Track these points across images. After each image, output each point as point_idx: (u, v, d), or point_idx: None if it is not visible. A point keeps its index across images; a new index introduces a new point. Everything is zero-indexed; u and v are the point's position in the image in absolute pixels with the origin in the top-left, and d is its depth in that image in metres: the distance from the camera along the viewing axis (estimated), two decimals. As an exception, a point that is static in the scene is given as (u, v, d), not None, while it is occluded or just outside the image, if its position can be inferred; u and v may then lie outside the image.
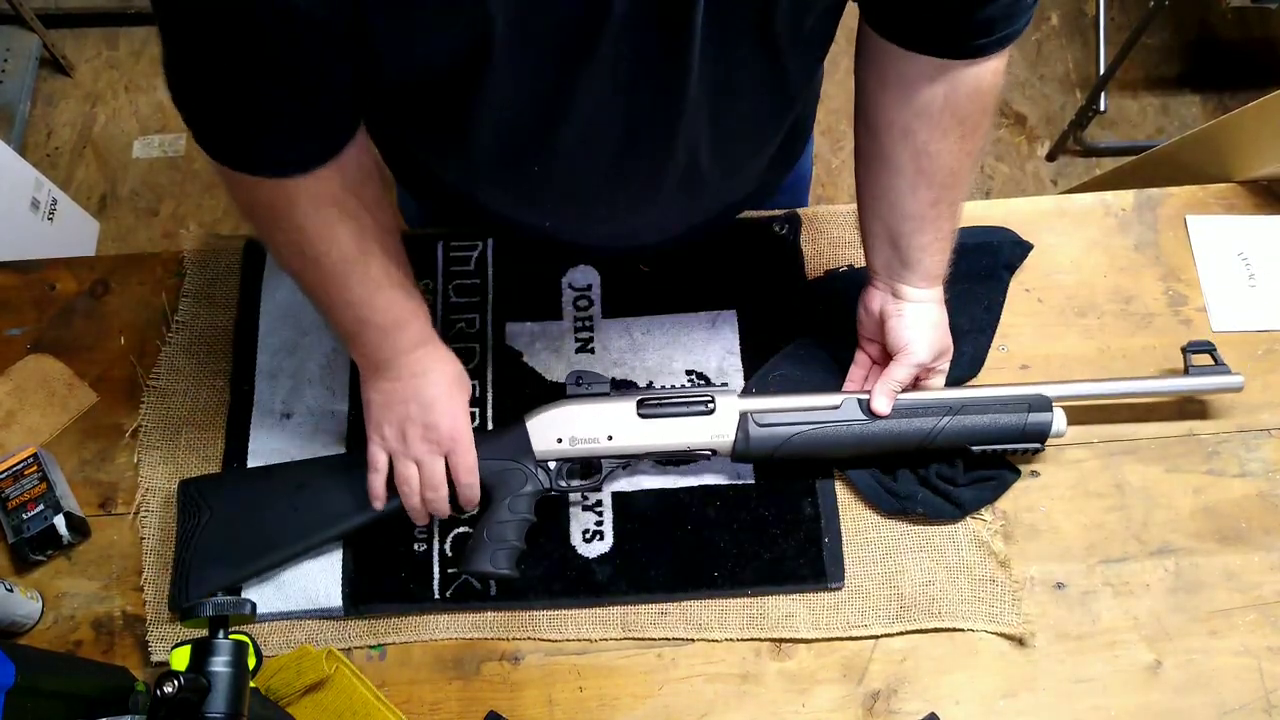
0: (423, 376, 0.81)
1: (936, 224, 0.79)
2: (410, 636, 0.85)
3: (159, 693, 0.58)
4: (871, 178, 0.80)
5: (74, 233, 1.98)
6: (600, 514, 0.89)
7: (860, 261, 0.99)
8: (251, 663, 0.65)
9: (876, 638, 0.85)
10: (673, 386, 0.94)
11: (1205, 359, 0.89)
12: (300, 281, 0.77)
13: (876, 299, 0.85)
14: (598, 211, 0.82)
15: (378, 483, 0.83)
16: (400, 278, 0.77)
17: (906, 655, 0.85)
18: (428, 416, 0.80)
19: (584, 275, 0.99)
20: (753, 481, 0.90)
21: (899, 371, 0.83)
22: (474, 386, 0.92)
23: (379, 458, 0.82)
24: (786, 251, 1.00)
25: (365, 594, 0.86)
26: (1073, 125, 2.09)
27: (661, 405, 0.86)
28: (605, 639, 0.85)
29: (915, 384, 0.86)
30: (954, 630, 0.85)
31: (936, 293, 0.84)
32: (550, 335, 0.96)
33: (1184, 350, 0.90)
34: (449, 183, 0.84)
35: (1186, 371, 0.89)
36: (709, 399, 0.86)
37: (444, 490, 0.82)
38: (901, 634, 0.85)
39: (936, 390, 0.86)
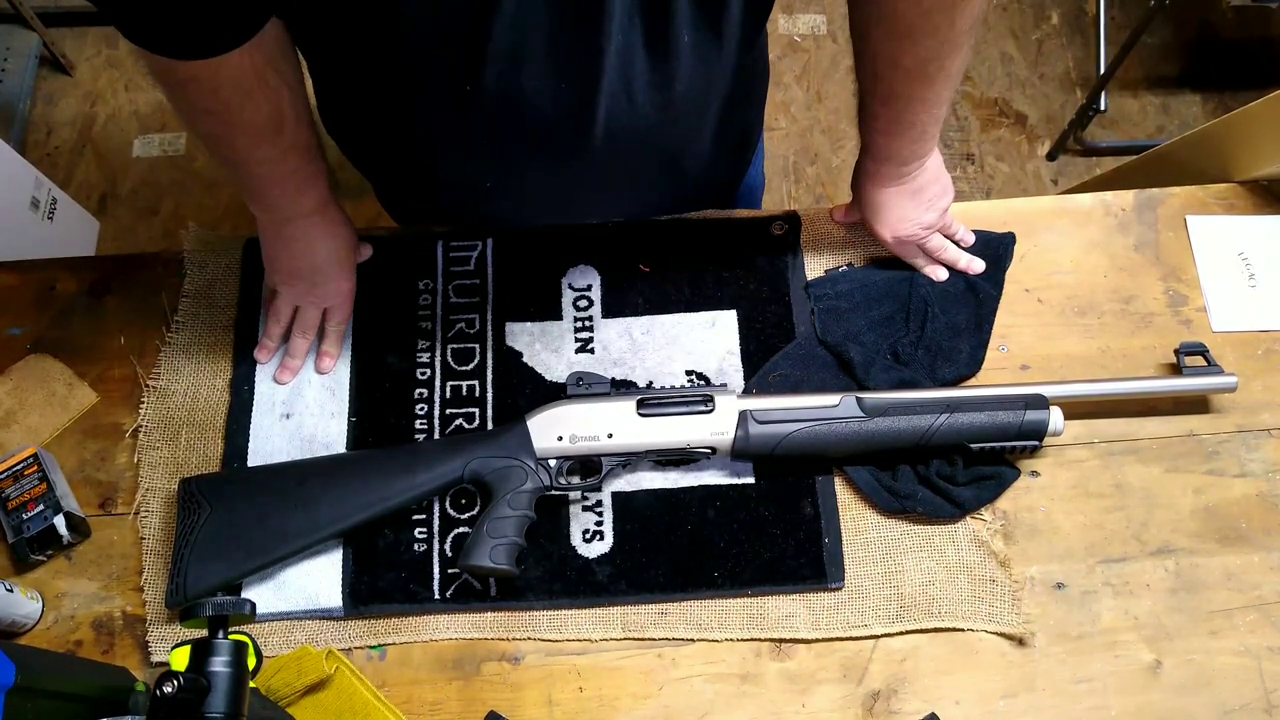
0: (315, 242, 0.91)
1: (886, 117, 0.86)
2: (410, 636, 0.85)
3: (159, 693, 0.58)
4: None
5: (74, 232, 1.98)
6: (600, 514, 0.89)
7: (860, 261, 1.00)
8: (251, 663, 0.65)
9: (876, 638, 0.85)
10: (673, 387, 0.94)
11: (1198, 360, 0.90)
12: (210, 143, 0.81)
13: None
14: (535, 158, 0.82)
15: (275, 331, 0.94)
16: (308, 140, 0.84)
17: (906, 655, 0.85)
18: (315, 277, 0.93)
19: (584, 275, 0.99)
20: (752, 481, 0.90)
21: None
22: (473, 379, 0.93)
23: (280, 306, 0.94)
24: (786, 251, 1.00)
25: (365, 594, 0.86)
26: (1073, 125, 2.09)
27: (661, 404, 0.86)
28: (605, 639, 0.85)
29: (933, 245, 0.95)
30: (954, 630, 0.85)
31: (887, 172, 0.90)
32: (550, 335, 0.96)
33: (1177, 352, 0.91)
34: (390, 130, 0.86)
35: (1181, 373, 0.90)
36: (708, 398, 0.86)
37: (311, 336, 0.94)
38: (901, 634, 0.85)
39: (934, 389, 0.87)
